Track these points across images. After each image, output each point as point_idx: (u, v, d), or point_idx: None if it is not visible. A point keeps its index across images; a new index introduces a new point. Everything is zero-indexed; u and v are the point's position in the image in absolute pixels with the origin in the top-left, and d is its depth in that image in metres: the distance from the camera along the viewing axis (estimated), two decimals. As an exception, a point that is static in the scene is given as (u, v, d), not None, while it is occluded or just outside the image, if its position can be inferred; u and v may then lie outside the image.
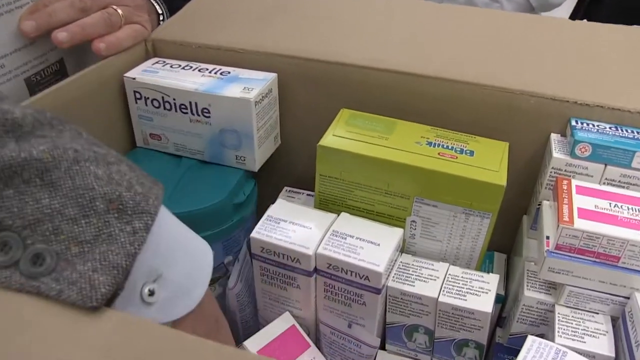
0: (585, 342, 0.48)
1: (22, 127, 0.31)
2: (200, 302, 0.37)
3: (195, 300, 0.37)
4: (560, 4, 1.50)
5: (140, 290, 0.33)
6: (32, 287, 0.29)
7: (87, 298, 0.29)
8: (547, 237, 0.50)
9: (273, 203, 0.62)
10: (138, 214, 0.32)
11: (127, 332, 0.29)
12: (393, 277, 0.53)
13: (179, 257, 0.36)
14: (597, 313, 0.50)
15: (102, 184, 0.32)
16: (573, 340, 0.48)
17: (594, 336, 0.48)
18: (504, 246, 0.64)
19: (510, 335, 0.56)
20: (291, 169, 0.68)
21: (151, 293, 0.33)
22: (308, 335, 0.56)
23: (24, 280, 0.29)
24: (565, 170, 0.53)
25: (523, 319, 0.54)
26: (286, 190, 0.66)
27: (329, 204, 0.57)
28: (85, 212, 0.31)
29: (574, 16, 1.36)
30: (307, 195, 0.65)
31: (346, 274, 0.51)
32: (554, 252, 0.48)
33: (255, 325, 0.62)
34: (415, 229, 0.56)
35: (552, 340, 0.47)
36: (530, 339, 0.44)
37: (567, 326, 0.49)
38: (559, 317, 0.50)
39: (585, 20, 0.70)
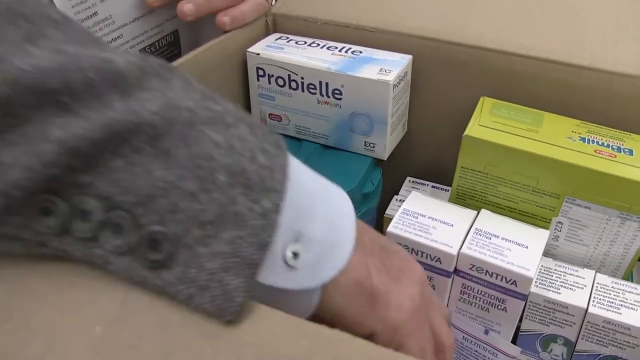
0: None
1: (127, 78, 0.27)
2: (356, 243, 0.32)
3: (346, 253, 0.31)
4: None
5: (283, 253, 0.29)
6: (156, 284, 0.26)
7: (222, 310, 0.25)
8: None
9: (395, 193, 0.58)
10: (265, 191, 0.27)
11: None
12: (535, 282, 0.49)
13: (318, 207, 0.31)
14: None
15: (223, 152, 0.27)
16: None
17: None
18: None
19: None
20: (416, 159, 0.64)
21: (295, 255, 0.29)
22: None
23: (146, 272, 0.26)
24: None
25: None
26: (409, 181, 0.62)
27: (466, 199, 0.53)
28: (205, 186, 0.26)
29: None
30: (432, 187, 0.61)
31: (491, 276, 0.47)
32: None
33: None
34: (560, 230, 0.51)
35: None
36: None
37: None
38: None
39: None
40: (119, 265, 0.26)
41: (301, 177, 0.30)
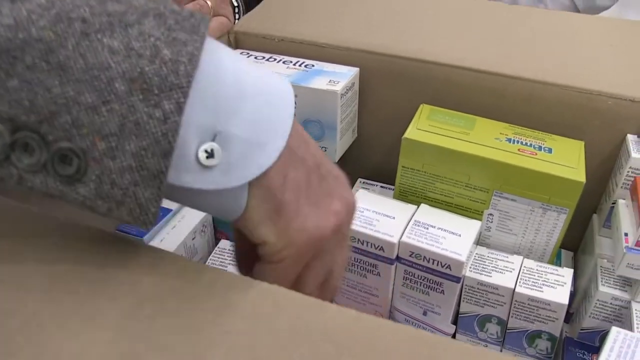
0: (663, 338, 0.49)
1: None
2: (286, 151, 0.31)
3: (272, 155, 0.31)
4: (607, 7, 1.50)
5: (196, 152, 0.29)
6: (75, 199, 0.27)
7: (140, 221, 0.28)
8: (626, 234, 0.51)
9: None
10: (166, 91, 0.27)
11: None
12: (470, 267, 0.55)
13: (244, 105, 0.30)
14: (674, 310, 0.52)
15: (120, 59, 0.26)
16: (650, 335, 0.49)
17: (672, 332, 0.50)
18: (571, 244, 0.65)
19: (581, 330, 0.57)
20: (366, 161, 0.70)
21: (209, 154, 0.29)
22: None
23: (62, 187, 0.27)
24: (644, 170, 0.54)
25: (596, 314, 0.55)
26: (360, 182, 0.68)
27: (408, 195, 0.59)
28: (104, 98, 0.26)
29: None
30: (381, 187, 0.67)
31: (428, 262, 0.53)
32: (633, 249, 0.50)
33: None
34: (491, 221, 0.57)
35: (630, 334, 0.49)
36: (614, 330, 0.46)
37: (644, 321, 0.51)
38: (636, 313, 0.51)
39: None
40: (35, 182, 0.27)
41: (226, 66, 0.29)
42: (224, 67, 0.29)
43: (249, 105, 0.30)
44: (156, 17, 0.28)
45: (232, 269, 0.53)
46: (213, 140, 0.29)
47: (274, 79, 0.32)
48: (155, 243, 0.56)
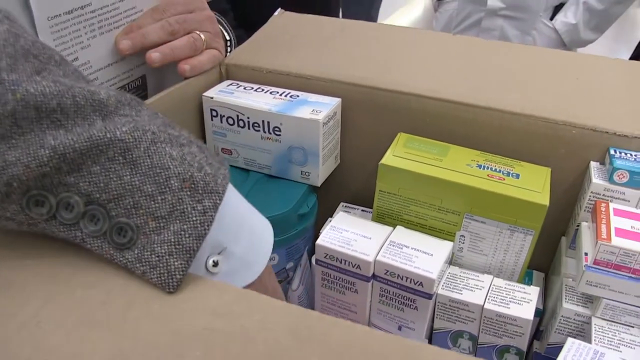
0: (621, 352, 0.52)
1: (107, 106, 0.35)
2: (261, 275, 0.41)
3: (256, 274, 0.40)
4: (592, 40, 1.56)
5: (206, 261, 0.37)
6: (120, 261, 0.34)
7: (166, 284, 0.34)
8: (586, 254, 0.55)
9: (330, 216, 0.68)
10: (208, 193, 0.35)
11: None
12: (442, 285, 0.59)
13: (243, 232, 0.39)
14: (633, 326, 0.55)
15: (177, 164, 0.35)
16: (609, 349, 0.53)
17: (629, 347, 0.53)
18: (542, 266, 0.69)
19: (548, 345, 0.61)
20: (348, 186, 0.74)
21: (215, 264, 0.37)
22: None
23: (113, 251, 0.34)
24: (604, 195, 0.58)
25: (561, 330, 0.59)
26: (343, 206, 0.72)
27: (385, 218, 0.63)
28: (161, 189, 0.34)
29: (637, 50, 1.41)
30: (362, 210, 0.70)
31: (402, 279, 0.57)
32: (592, 267, 0.53)
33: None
34: (463, 242, 0.61)
35: (589, 347, 0.52)
36: (570, 340, 0.49)
37: (603, 336, 0.54)
38: (595, 327, 0.55)
39: (622, 59, 0.75)
40: (93, 245, 0.34)
41: (234, 200, 0.39)
42: (235, 199, 0.39)
43: (247, 231, 0.40)
44: (198, 147, 0.38)
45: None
46: (219, 254, 0.38)
47: (259, 215, 0.43)
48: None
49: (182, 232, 0.34)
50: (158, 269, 0.34)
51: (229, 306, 0.34)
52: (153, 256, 0.34)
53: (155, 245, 0.34)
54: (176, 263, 0.34)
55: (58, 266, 0.35)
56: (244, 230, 0.40)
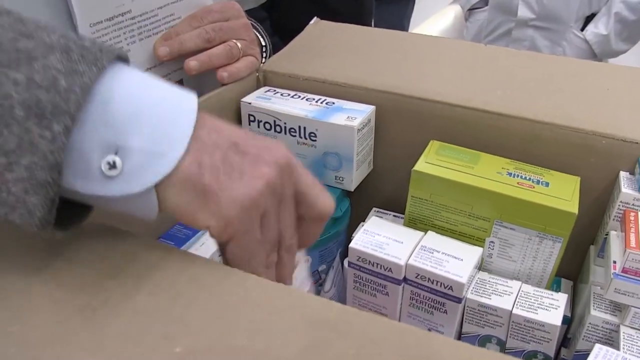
0: (649, 359, 0.53)
1: None
2: (194, 142, 0.36)
3: (173, 161, 0.35)
4: (624, 51, 1.56)
5: (99, 165, 0.34)
6: None
7: (29, 224, 0.33)
8: (614, 262, 0.56)
9: (363, 221, 0.70)
10: (57, 115, 0.32)
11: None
12: (472, 290, 0.60)
13: (143, 121, 0.35)
14: (661, 335, 0.56)
15: (21, 89, 0.32)
16: (638, 358, 0.54)
17: (657, 355, 0.54)
18: (571, 274, 0.70)
19: (575, 352, 0.62)
20: (380, 192, 0.76)
21: (111, 166, 0.34)
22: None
23: None
24: (633, 205, 0.59)
25: (589, 337, 0.60)
26: (375, 211, 0.73)
27: (417, 223, 0.65)
28: (7, 122, 0.32)
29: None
30: (394, 216, 0.72)
31: (432, 283, 0.58)
32: (620, 275, 0.54)
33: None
34: (492, 249, 0.63)
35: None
36: (597, 346, 0.50)
37: (632, 344, 0.55)
38: (624, 335, 0.56)
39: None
40: None
41: (123, 93, 0.35)
42: (125, 90, 0.35)
43: (146, 120, 0.35)
44: (62, 52, 0.33)
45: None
46: (115, 153, 0.34)
47: (174, 95, 0.37)
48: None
49: (34, 166, 0.32)
50: (18, 209, 0.33)
51: (271, 300, 0.36)
52: (10, 197, 0.33)
53: (10, 184, 0.32)
54: (33, 200, 0.32)
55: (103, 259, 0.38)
56: (142, 118, 0.35)
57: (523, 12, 1.51)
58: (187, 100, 0.37)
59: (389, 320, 0.35)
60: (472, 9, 1.68)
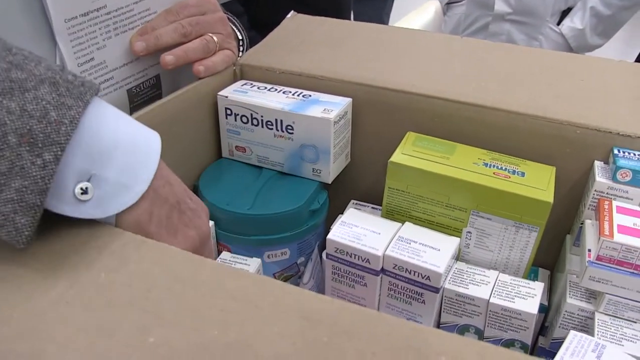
0: (623, 345, 0.54)
1: None
2: (151, 191, 0.41)
3: (136, 195, 0.40)
4: (599, 46, 1.57)
5: (73, 189, 0.37)
6: None
7: (15, 241, 0.35)
8: (589, 250, 0.56)
9: (341, 213, 0.70)
10: (48, 145, 0.35)
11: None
12: (449, 280, 0.61)
13: (117, 155, 0.39)
14: (635, 322, 0.56)
15: (14, 118, 0.35)
16: (612, 343, 0.54)
17: (631, 341, 0.54)
18: (548, 263, 0.71)
19: (552, 340, 0.62)
20: (358, 184, 0.76)
21: (84, 191, 0.38)
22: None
23: None
24: (607, 193, 0.60)
25: (565, 325, 0.60)
26: (353, 203, 0.73)
27: (394, 214, 0.65)
28: None
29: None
30: (372, 208, 0.72)
31: (409, 273, 0.58)
32: (594, 263, 0.55)
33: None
34: (470, 239, 0.63)
35: (592, 340, 0.54)
36: (572, 333, 0.51)
37: (606, 331, 0.55)
38: (598, 322, 0.56)
39: (627, 61, 0.77)
40: None
41: (102, 128, 0.39)
42: (104, 125, 0.39)
43: (120, 154, 0.39)
44: (51, 85, 0.37)
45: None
46: (88, 181, 0.38)
47: (145, 133, 0.42)
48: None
49: (24, 189, 0.35)
50: (6, 227, 0.35)
51: (245, 292, 0.35)
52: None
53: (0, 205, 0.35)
54: (22, 220, 0.35)
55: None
56: (116, 152, 0.39)
57: (500, 6, 1.52)
58: (154, 140, 0.43)
59: (363, 308, 0.35)
60: (450, 3, 1.69)
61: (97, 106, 0.39)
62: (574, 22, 1.51)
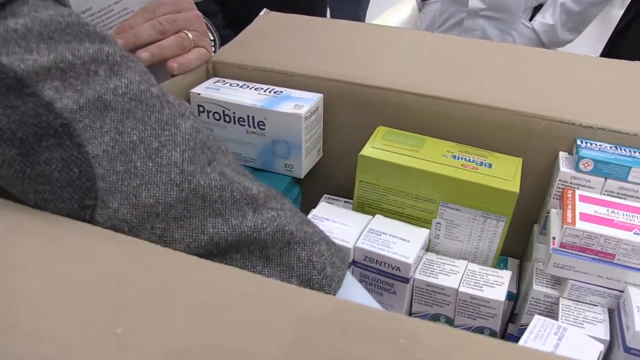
0: (584, 328, 0.56)
1: (257, 200, 0.42)
2: None
3: None
4: (570, 41, 1.60)
5: None
6: None
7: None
8: (554, 238, 0.58)
9: (314, 207, 0.71)
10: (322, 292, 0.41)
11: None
12: (419, 271, 0.62)
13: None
14: (596, 305, 0.58)
15: (301, 265, 0.42)
16: (574, 326, 0.56)
17: (592, 323, 0.56)
18: (517, 253, 0.72)
19: (520, 326, 0.64)
20: (331, 179, 0.77)
21: None
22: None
23: None
24: (571, 183, 0.61)
25: (531, 311, 0.62)
26: (326, 197, 0.75)
27: (365, 207, 0.66)
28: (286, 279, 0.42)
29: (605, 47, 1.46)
30: (345, 202, 0.73)
31: (380, 265, 0.60)
32: (558, 250, 0.57)
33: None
34: (439, 230, 0.64)
35: (556, 325, 0.56)
36: (536, 317, 0.52)
37: (569, 314, 0.57)
38: (562, 307, 0.58)
39: (591, 55, 0.79)
40: None
41: (349, 293, 0.44)
42: (354, 291, 0.46)
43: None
44: (327, 243, 0.45)
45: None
46: None
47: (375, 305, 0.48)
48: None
49: None
50: None
51: (215, 281, 0.36)
52: None
53: None
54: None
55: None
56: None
57: (474, 2, 1.54)
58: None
59: (322, 294, 0.36)
60: (425, 0, 1.70)
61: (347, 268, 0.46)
62: (545, 18, 1.54)
